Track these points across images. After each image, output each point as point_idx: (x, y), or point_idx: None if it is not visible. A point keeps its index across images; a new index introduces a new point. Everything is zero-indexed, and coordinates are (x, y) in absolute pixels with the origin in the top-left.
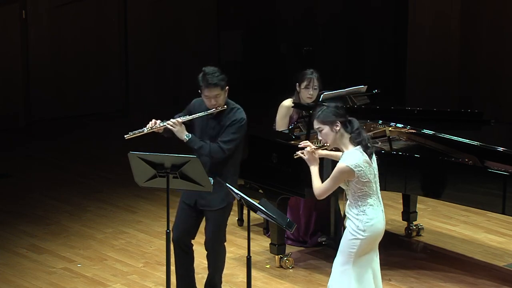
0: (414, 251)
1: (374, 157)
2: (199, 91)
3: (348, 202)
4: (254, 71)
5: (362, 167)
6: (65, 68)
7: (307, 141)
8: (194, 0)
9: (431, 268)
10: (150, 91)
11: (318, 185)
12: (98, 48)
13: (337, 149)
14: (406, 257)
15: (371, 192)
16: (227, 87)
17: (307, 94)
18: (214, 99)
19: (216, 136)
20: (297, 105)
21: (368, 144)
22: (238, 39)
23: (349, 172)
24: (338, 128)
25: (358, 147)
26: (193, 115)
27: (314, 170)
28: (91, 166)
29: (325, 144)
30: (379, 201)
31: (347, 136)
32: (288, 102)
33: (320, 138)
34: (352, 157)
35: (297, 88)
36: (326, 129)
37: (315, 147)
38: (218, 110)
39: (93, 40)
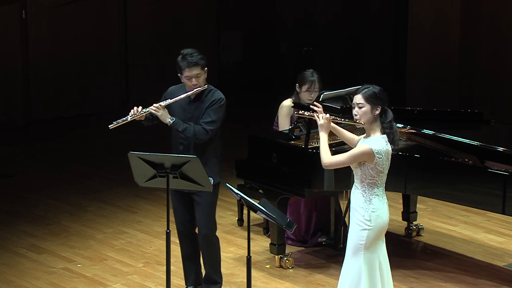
0: (414, 251)
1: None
2: (179, 75)
3: (353, 190)
4: (254, 71)
5: (382, 156)
6: (65, 68)
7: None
8: (194, 0)
9: (431, 268)
10: (150, 91)
11: (328, 155)
12: (98, 48)
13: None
14: (406, 257)
15: (380, 183)
16: (206, 68)
17: (308, 96)
18: (195, 78)
19: (197, 119)
20: (296, 105)
21: (395, 139)
22: (238, 39)
23: (370, 155)
24: (378, 112)
25: (385, 136)
26: (175, 98)
27: (324, 138)
28: (91, 166)
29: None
30: (384, 193)
31: (379, 123)
32: (288, 102)
33: (355, 113)
34: (378, 143)
35: (297, 89)
36: (367, 107)
37: (333, 118)
38: (199, 90)
39: (93, 40)
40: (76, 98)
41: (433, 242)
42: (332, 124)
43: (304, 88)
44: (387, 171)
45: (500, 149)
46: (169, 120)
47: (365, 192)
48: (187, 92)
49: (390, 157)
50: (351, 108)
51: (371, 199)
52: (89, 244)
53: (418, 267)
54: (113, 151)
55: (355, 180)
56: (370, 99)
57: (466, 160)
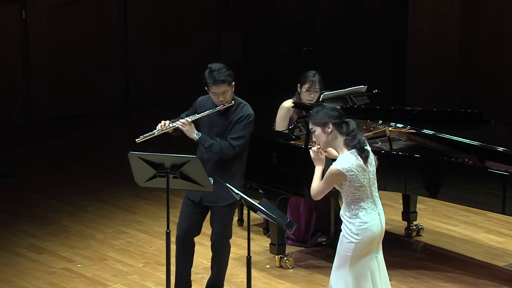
0: (414, 251)
1: (372, 160)
2: (206, 88)
3: (342, 204)
4: (254, 71)
5: (354, 172)
6: (65, 68)
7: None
8: (194, 0)
9: (431, 268)
10: (150, 91)
11: (314, 185)
12: (98, 48)
13: None
14: (406, 257)
15: (364, 196)
16: (233, 83)
17: (308, 96)
18: (222, 95)
19: (224, 133)
20: (297, 105)
21: (364, 147)
22: (238, 39)
23: (340, 176)
24: (330, 130)
25: (353, 150)
26: (201, 114)
27: (318, 170)
28: (91, 166)
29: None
30: (375, 205)
31: (341, 138)
32: (288, 103)
33: (314, 139)
34: (345, 160)
35: (298, 89)
36: (318, 130)
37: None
38: (225, 106)
39: (93, 40)
40: (76, 98)
41: (433, 242)
42: (329, 151)
43: (304, 88)
44: (372, 182)
45: (500, 149)
46: (195, 136)
47: (351, 208)
48: (214, 108)
49: (369, 167)
50: (351, 108)
51: (357, 214)
52: (89, 244)
53: (418, 267)
54: (113, 151)
55: (342, 196)
56: (316, 120)
57: (466, 160)
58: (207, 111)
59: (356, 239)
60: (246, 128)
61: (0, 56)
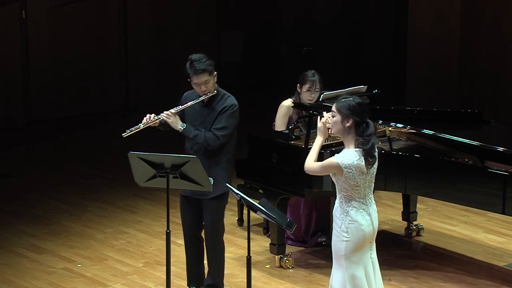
0: (414, 251)
1: (374, 165)
2: (188, 80)
3: (335, 201)
4: (254, 71)
5: (352, 170)
6: (65, 68)
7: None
8: (194, 0)
9: (431, 268)
10: (150, 91)
11: (310, 159)
12: (98, 48)
13: None
14: (406, 257)
15: (356, 196)
16: (215, 73)
17: (309, 96)
18: (204, 85)
19: (209, 124)
20: (297, 105)
21: (374, 153)
22: (238, 39)
23: (337, 168)
24: (348, 124)
25: (359, 149)
26: (185, 105)
27: (318, 142)
28: (91, 166)
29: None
30: (366, 205)
31: (354, 135)
32: (288, 102)
33: (328, 121)
34: (347, 156)
35: (298, 89)
36: (338, 117)
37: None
38: (208, 96)
39: (93, 40)
40: (76, 98)
41: (433, 242)
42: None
43: (305, 88)
44: (367, 184)
45: (500, 149)
46: (180, 127)
47: (342, 204)
48: (197, 99)
49: (366, 171)
50: None
51: (347, 211)
52: (89, 244)
53: (418, 267)
54: (113, 151)
55: (336, 189)
56: (342, 110)
57: (466, 160)
58: (190, 102)
59: (346, 238)
60: (230, 118)
61: (0, 56)
